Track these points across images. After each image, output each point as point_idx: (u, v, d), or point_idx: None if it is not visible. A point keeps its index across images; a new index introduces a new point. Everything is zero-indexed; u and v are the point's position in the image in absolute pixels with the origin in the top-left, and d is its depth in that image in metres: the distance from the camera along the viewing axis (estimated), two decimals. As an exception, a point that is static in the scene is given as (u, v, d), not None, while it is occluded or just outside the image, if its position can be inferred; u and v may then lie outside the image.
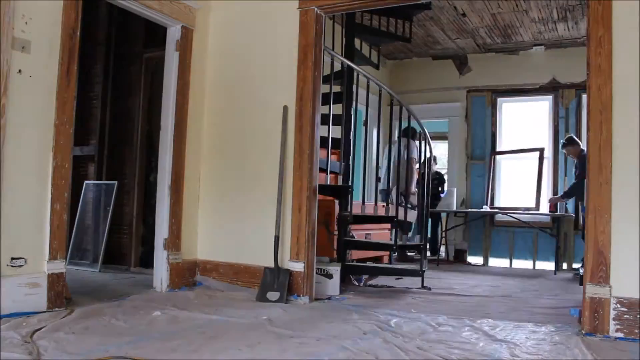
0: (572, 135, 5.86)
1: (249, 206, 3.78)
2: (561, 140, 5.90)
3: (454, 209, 6.68)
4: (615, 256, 2.68)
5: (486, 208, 6.58)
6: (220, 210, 3.91)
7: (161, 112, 3.83)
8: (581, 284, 2.93)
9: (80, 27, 3.03)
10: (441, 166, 7.68)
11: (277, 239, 3.52)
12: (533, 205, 6.20)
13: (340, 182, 4.26)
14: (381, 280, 4.50)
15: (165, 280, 3.66)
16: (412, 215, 5.19)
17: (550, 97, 6.58)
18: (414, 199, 5.54)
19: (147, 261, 4.36)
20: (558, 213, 6.15)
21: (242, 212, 3.80)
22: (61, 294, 2.90)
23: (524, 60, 6.73)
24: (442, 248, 6.91)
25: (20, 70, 2.72)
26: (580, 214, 6.01)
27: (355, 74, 4.20)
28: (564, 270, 6.07)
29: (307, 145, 3.56)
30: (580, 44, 6.15)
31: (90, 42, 4.77)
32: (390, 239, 5.39)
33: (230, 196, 3.87)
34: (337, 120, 4.08)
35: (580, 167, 5.43)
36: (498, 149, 6.83)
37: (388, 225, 5.50)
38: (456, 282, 4.69)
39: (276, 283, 3.44)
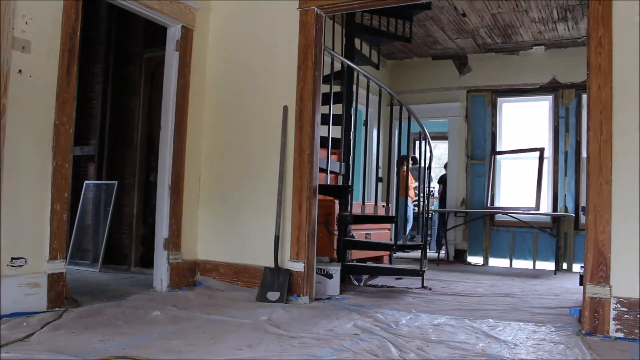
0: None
1: (249, 206, 3.78)
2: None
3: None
4: (615, 256, 2.69)
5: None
6: (220, 210, 3.91)
7: (161, 112, 3.83)
8: (581, 283, 2.93)
9: (80, 27, 3.03)
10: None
11: (277, 239, 3.52)
12: (533, 205, 6.19)
13: (340, 182, 4.26)
14: (381, 280, 4.50)
15: (165, 280, 3.67)
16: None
17: (550, 97, 6.57)
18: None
19: (147, 261, 4.36)
20: (558, 213, 6.15)
21: (242, 212, 3.80)
22: (61, 294, 2.90)
23: (524, 60, 6.73)
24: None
25: (20, 70, 2.72)
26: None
27: (355, 74, 4.20)
28: (564, 270, 6.07)
29: (307, 145, 3.56)
30: (580, 44, 6.15)
31: (90, 42, 4.77)
32: (390, 239, 5.39)
33: (230, 196, 3.87)
34: (337, 120, 4.08)
35: None
36: (498, 149, 6.82)
37: (388, 225, 5.50)
38: (456, 282, 4.68)
39: (276, 283, 3.44)
